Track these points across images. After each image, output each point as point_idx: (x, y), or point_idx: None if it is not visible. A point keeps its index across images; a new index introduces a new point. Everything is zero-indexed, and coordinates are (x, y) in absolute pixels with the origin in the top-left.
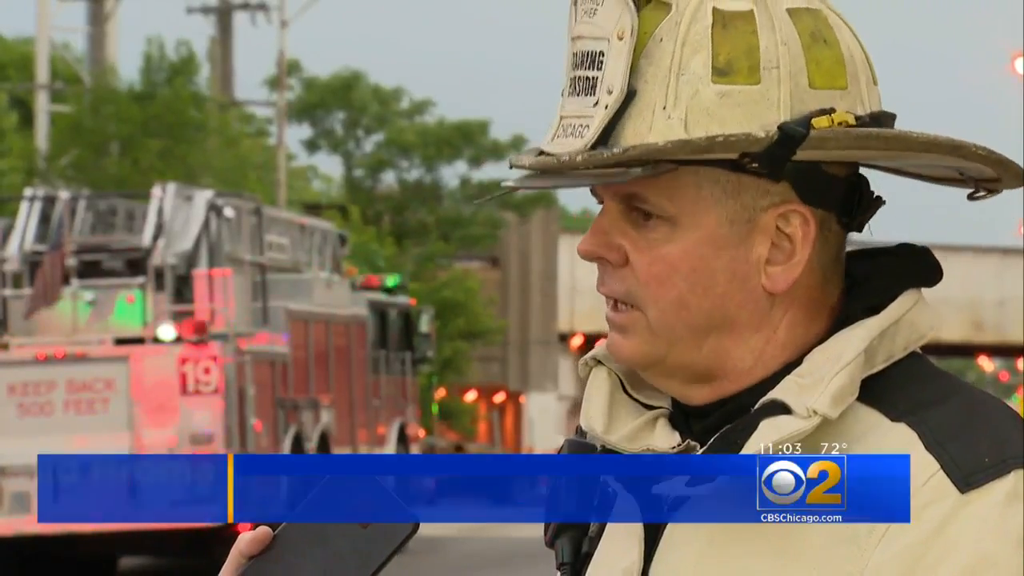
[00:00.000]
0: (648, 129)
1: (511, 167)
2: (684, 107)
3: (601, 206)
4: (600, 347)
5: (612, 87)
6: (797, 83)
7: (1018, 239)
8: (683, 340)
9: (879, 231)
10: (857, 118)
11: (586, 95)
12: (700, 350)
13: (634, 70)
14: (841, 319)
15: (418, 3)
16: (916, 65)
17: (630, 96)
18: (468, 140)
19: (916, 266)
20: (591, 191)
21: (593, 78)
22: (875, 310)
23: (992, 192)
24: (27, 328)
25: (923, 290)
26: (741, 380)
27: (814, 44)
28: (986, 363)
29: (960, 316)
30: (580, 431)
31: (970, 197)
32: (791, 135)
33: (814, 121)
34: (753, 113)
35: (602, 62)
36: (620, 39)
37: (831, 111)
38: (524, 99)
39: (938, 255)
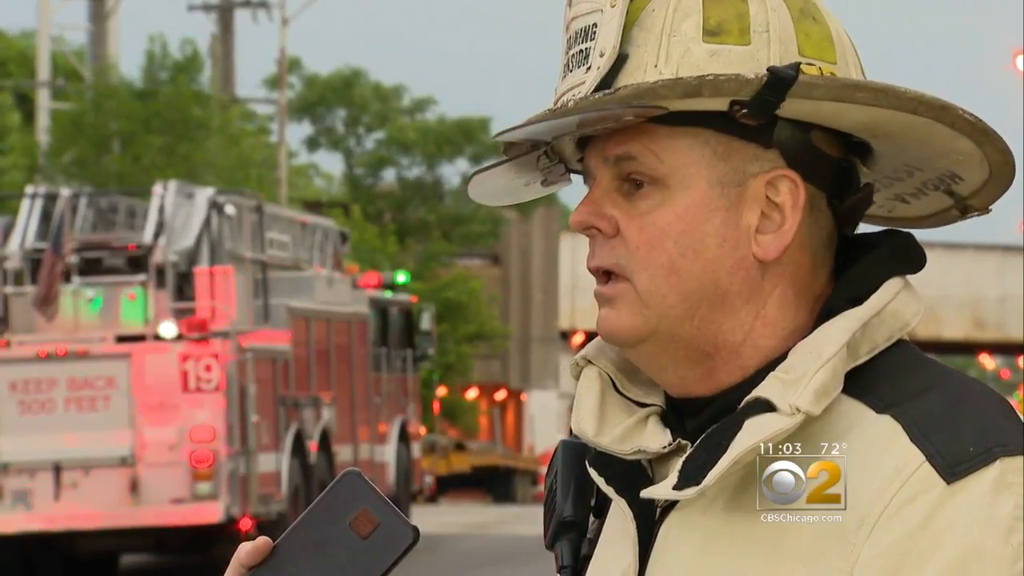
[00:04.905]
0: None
1: (495, 138)
2: (675, 64)
3: (589, 187)
4: (590, 346)
5: (604, 50)
6: (787, 48)
7: (1019, 237)
8: (673, 309)
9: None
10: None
11: (579, 67)
12: (691, 321)
13: (626, 38)
14: (826, 310)
15: (418, 1)
16: (916, 64)
17: (621, 59)
18: (469, 138)
19: (900, 253)
20: (583, 175)
21: (587, 49)
22: (858, 300)
23: (982, 211)
24: (28, 325)
25: (921, 279)
26: (732, 363)
27: (803, 18)
28: (987, 361)
29: (961, 314)
30: (572, 432)
31: (963, 217)
32: (781, 77)
33: (803, 66)
34: (743, 71)
35: (595, 32)
36: (613, 7)
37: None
38: (525, 97)
39: (939, 253)
